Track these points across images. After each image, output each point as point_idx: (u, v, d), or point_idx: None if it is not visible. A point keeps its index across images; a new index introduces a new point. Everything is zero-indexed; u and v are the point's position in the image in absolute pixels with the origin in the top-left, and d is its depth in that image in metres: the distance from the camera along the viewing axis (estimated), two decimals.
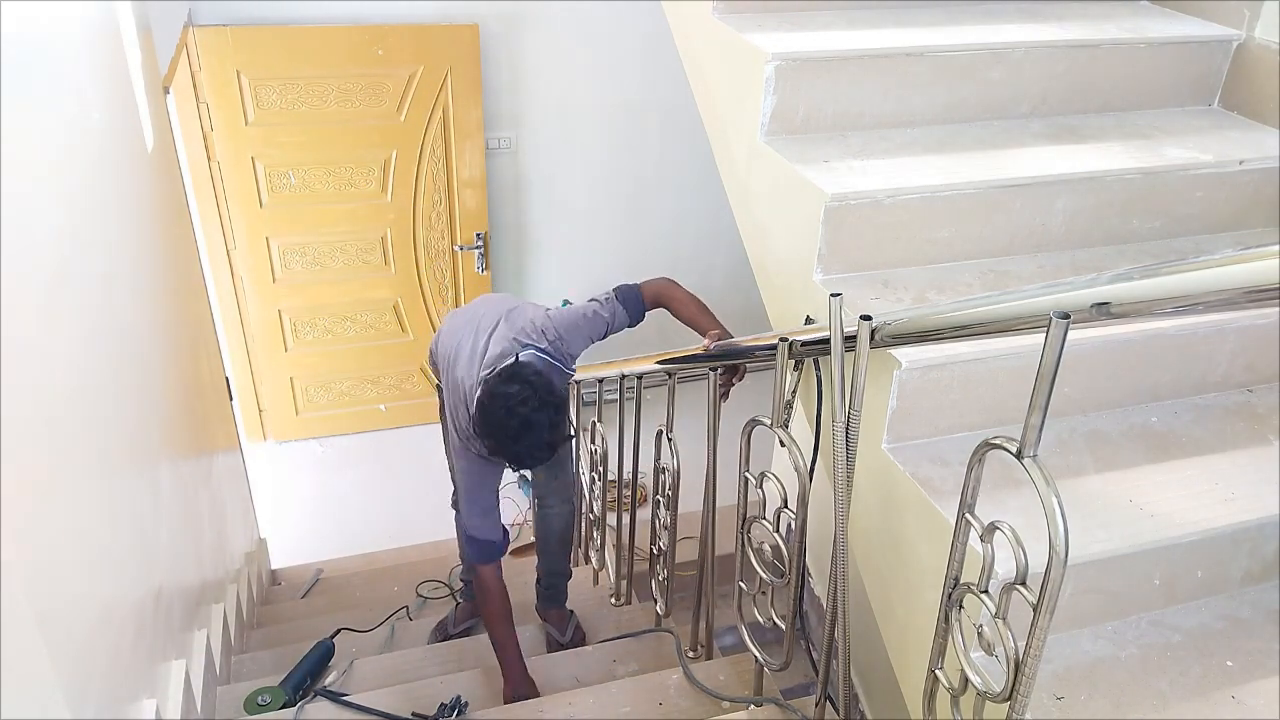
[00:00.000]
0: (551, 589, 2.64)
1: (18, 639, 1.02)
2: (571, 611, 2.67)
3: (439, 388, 2.33)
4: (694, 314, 2.11)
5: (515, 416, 1.84)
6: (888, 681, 1.92)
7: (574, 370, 2.19)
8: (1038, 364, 0.92)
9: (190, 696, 1.84)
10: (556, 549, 2.59)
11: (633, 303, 2.16)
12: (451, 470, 2.41)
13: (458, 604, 2.79)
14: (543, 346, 2.09)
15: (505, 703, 2.17)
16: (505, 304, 2.25)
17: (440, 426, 2.47)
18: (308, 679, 2.31)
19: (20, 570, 1.03)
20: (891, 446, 1.43)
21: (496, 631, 2.23)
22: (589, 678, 2.26)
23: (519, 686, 2.19)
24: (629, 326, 2.18)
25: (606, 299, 2.16)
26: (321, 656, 2.40)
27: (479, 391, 1.98)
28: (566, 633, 2.59)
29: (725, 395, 2.00)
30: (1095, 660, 1.25)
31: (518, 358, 2.01)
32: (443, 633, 2.71)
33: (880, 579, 1.48)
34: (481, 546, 2.18)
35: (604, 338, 2.18)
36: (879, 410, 1.41)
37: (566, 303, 4.29)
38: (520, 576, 2.88)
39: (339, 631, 2.56)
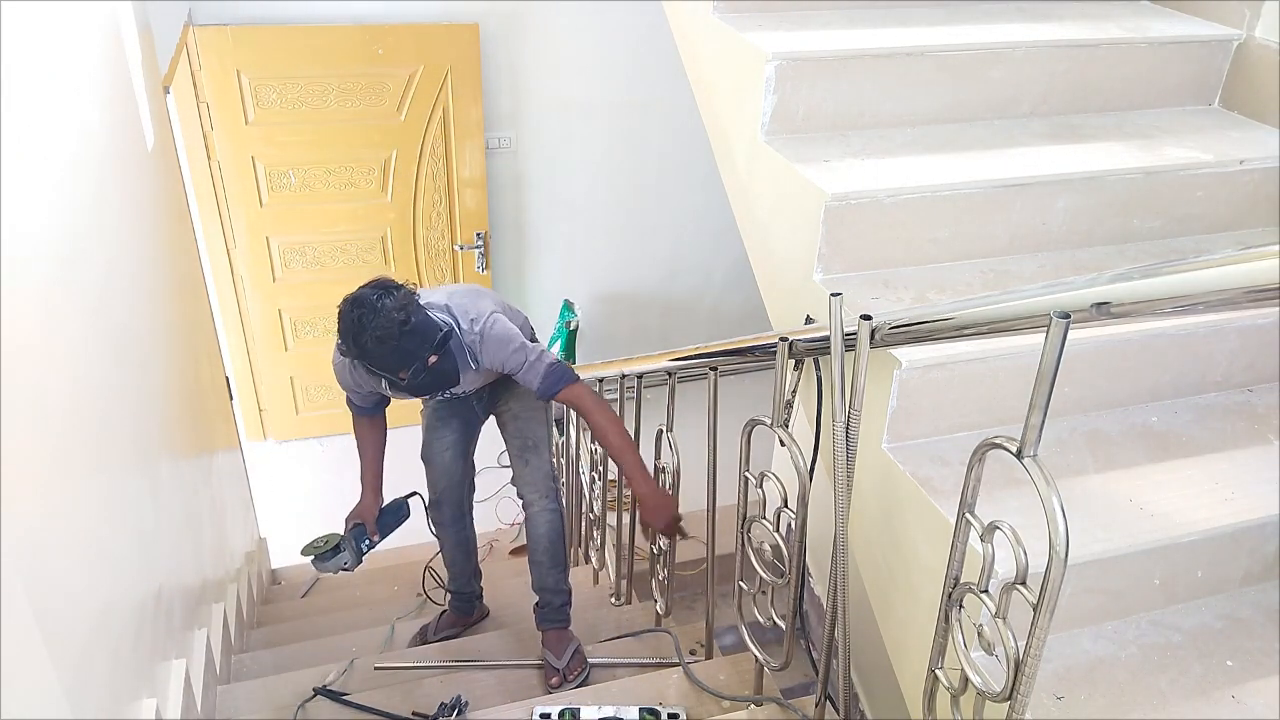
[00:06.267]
0: (547, 607, 2.35)
1: (18, 639, 1.02)
2: (574, 637, 2.34)
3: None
4: (604, 434, 2.13)
5: (361, 308, 1.86)
6: (888, 681, 1.92)
7: (458, 340, 2.08)
8: (1038, 364, 0.92)
9: (190, 696, 1.84)
10: (545, 561, 2.32)
11: (553, 379, 2.08)
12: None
13: (443, 612, 2.71)
14: (453, 321, 2.07)
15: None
16: (477, 294, 2.26)
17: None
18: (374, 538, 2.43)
19: (20, 570, 1.03)
20: (892, 446, 1.43)
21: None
22: (589, 677, 2.26)
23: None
24: (535, 389, 2.10)
25: (539, 357, 2.09)
26: (397, 515, 2.50)
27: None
28: (562, 657, 2.26)
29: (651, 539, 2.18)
30: (1095, 660, 1.25)
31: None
32: (422, 638, 2.64)
33: (880, 579, 1.47)
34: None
35: (500, 371, 2.14)
36: (879, 410, 1.41)
37: (567, 304, 4.31)
38: (520, 577, 2.88)
39: (414, 494, 2.61)
